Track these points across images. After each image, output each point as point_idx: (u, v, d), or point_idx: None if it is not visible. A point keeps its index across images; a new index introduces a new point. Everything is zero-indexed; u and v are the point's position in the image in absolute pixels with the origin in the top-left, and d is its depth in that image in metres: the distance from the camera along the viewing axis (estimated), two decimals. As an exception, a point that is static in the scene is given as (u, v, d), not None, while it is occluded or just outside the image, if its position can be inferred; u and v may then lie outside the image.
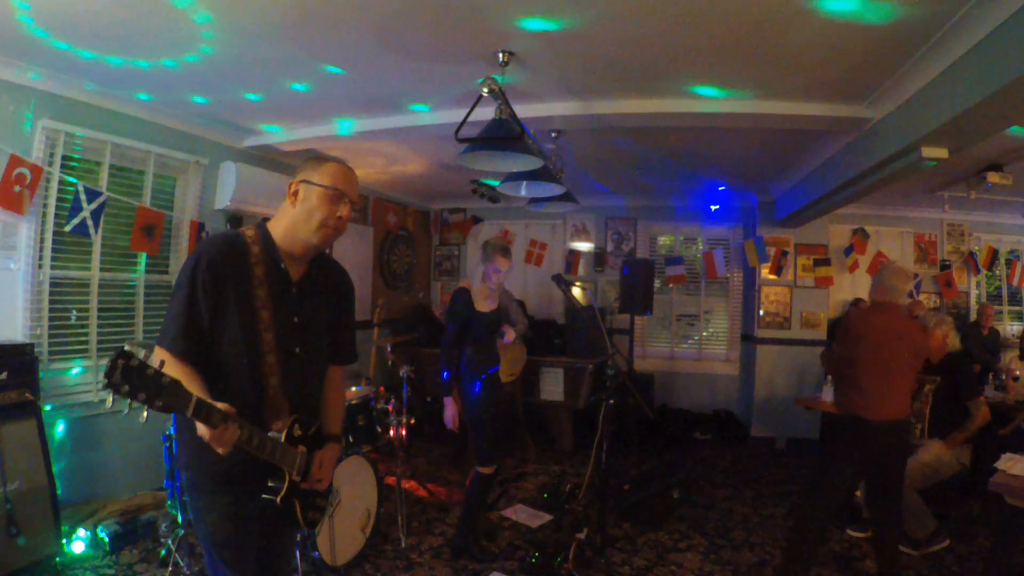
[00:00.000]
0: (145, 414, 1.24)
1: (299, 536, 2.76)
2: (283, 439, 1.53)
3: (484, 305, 3.21)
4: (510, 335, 3.40)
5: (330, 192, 1.58)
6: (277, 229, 1.62)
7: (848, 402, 2.86)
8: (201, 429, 1.36)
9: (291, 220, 1.60)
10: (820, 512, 2.90)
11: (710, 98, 3.24)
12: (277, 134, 4.30)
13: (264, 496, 1.55)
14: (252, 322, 1.53)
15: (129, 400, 1.20)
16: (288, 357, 1.60)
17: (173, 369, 1.44)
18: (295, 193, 1.60)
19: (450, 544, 3.33)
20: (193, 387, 1.39)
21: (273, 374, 1.56)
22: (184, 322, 1.48)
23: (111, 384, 1.16)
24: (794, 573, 2.91)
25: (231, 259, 1.53)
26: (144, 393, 1.21)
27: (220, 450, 1.38)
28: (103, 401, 3.42)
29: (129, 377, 1.18)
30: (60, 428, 3.25)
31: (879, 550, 2.93)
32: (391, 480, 3.62)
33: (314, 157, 1.67)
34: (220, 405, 1.36)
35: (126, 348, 1.21)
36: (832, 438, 2.98)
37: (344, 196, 1.60)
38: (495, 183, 4.37)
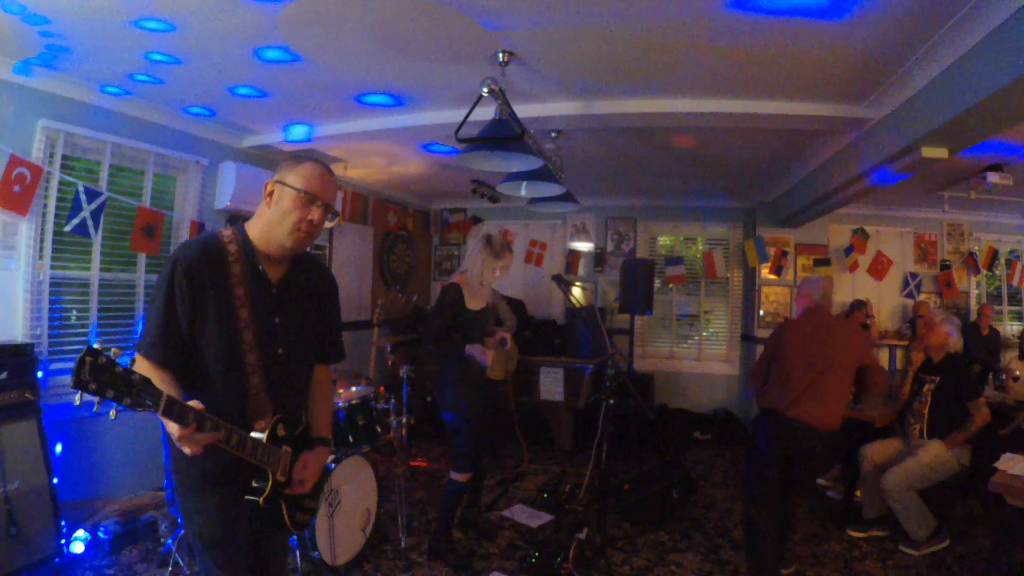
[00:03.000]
0: (114, 413, 1.23)
1: (299, 536, 2.76)
2: (266, 439, 1.52)
3: (475, 303, 3.16)
4: (510, 341, 3.35)
5: (302, 196, 1.54)
6: (254, 230, 1.60)
7: (769, 397, 2.98)
8: (172, 428, 1.34)
9: (266, 221, 1.58)
10: (765, 509, 2.95)
11: (710, 99, 3.23)
12: (277, 134, 4.30)
13: (247, 497, 1.54)
14: (231, 321, 1.51)
15: (97, 398, 1.19)
16: (271, 357, 1.58)
17: (151, 376, 1.42)
18: (271, 194, 1.57)
19: (429, 547, 3.29)
20: (168, 391, 1.38)
21: (255, 373, 1.54)
22: (162, 329, 1.47)
23: (79, 382, 1.15)
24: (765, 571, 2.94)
25: (208, 261, 1.51)
26: (112, 390, 1.19)
27: (187, 450, 1.35)
28: (103, 401, 3.43)
29: (97, 375, 1.17)
30: (60, 428, 3.25)
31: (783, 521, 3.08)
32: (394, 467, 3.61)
33: (292, 156, 1.64)
34: (191, 403, 1.34)
35: (95, 346, 1.20)
36: (755, 433, 3.11)
37: (316, 200, 1.56)
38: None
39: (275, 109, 3.80)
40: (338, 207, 3.92)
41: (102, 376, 1.18)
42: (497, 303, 3.49)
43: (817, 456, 2.95)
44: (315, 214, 1.56)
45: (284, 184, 1.55)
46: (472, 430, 3.11)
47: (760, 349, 5.92)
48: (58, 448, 3.17)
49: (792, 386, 2.87)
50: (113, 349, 1.25)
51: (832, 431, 2.91)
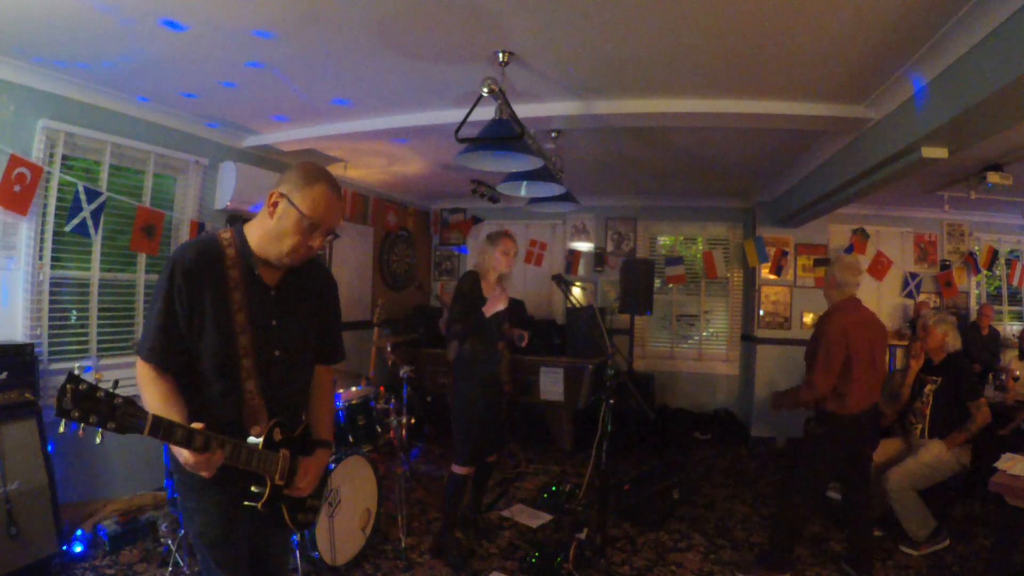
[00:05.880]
0: (99, 438, 1.23)
1: (299, 536, 2.76)
2: (261, 445, 1.51)
3: (491, 294, 3.21)
4: (527, 338, 3.44)
5: (305, 222, 1.51)
6: (253, 235, 1.58)
7: (832, 400, 2.96)
8: (184, 456, 1.36)
9: (265, 232, 1.55)
10: (801, 506, 3.02)
11: (710, 99, 3.23)
12: (277, 134, 4.30)
13: (246, 503, 1.54)
14: (227, 325, 1.50)
15: (82, 424, 1.20)
16: (267, 360, 1.57)
17: (152, 380, 1.45)
18: (274, 204, 1.53)
19: (432, 544, 3.30)
20: (168, 403, 1.40)
21: (250, 378, 1.53)
22: (161, 333, 1.47)
23: (61, 411, 1.16)
24: (776, 562, 3.01)
25: (206, 264, 1.51)
26: (96, 416, 1.20)
27: (203, 474, 1.38)
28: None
29: (79, 402, 1.18)
30: (60, 428, 3.25)
31: (853, 533, 3.13)
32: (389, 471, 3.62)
33: (304, 170, 1.55)
34: (196, 425, 1.35)
35: (74, 372, 1.20)
36: (813, 434, 3.11)
37: (319, 227, 1.54)
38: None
39: (275, 110, 3.80)
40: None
41: (85, 403, 1.19)
42: None
43: (877, 428, 3.10)
44: (316, 241, 1.55)
45: (290, 202, 1.51)
46: (472, 423, 3.12)
47: (760, 349, 6.00)
48: (59, 448, 3.18)
49: (856, 385, 2.91)
50: (96, 375, 1.26)
51: (876, 403, 3.05)
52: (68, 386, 1.17)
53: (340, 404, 3.34)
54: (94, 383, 1.22)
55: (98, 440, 1.24)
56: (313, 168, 1.57)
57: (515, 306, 5.88)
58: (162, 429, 1.29)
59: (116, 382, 1.26)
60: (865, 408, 2.95)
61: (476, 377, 3.15)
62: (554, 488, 4.23)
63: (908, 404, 3.72)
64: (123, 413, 1.24)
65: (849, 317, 2.97)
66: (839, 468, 3.10)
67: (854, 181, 3.85)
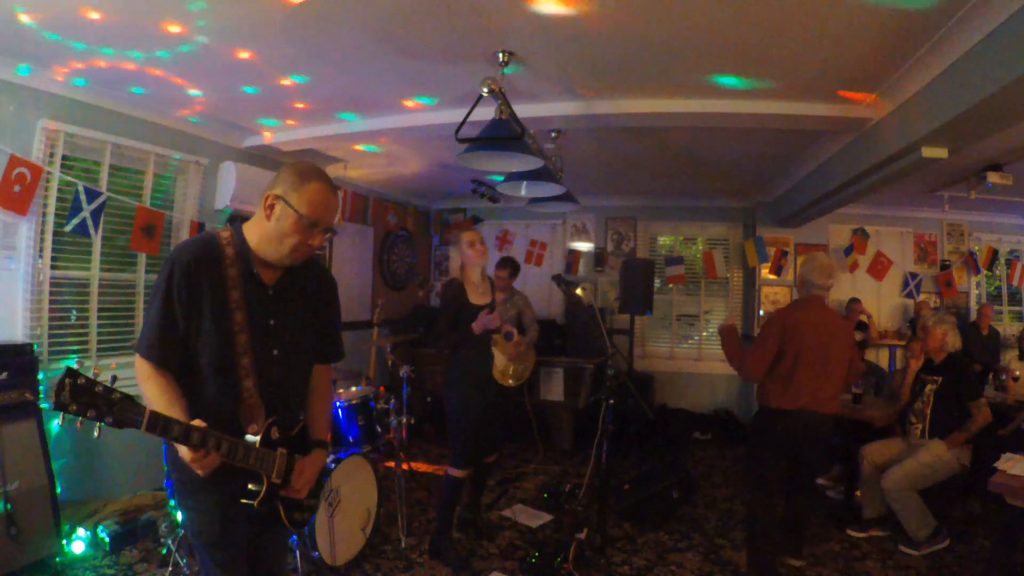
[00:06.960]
0: (97, 432, 1.24)
1: (299, 536, 2.76)
2: (259, 443, 1.51)
3: (477, 298, 3.18)
4: (516, 336, 3.40)
5: (305, 222, 1.51)
6: (252, 236, 1.57)
7: (772, 395, 2.94)
8: (182, 451, 1.36)
9: (264, 234, 1.55)
10: (765, 505, 2.99)
11: (710, 99, 3.24)
12: (277, 134, 4.30)
13: (243, 501, 1.54)
14: (225, 324, 1.50)
15: (79, 418, 1.20)
16: (265, 359, 1.57)
17: (151, 376, 1.46)
18: (271, 207, 1.52)
19: (429, 546, 3.29)
20: (168, 399, 1.41)
21: (248, 376, 1.53)
22: (160, 330, 1.47)
23: (59, 404, 1.17)
24: (761, 567, 2.98)
25: (205, 263, 1.51)
26: (93, 410, 1.21)
27: (200, 472, 1.39)
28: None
29: (77, 396, 1.18)
30: (60, 428, 3.25)
31: (792, 526, 3.13)
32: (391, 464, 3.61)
33: (297, 169, 1.56)
34: (195, 422, 1.35)
35: (73, 366, 1.21)
36: (759, 432, 3.09)
37: (319, 225, 1.54)
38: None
39: (275, 111, 3.80)
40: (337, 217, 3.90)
41: (82, 397, 1.19)
42: (524, 310, 3.60)
43: (825, 442, 3.01)
44: (316, 239, 1.56)
45: (287, 203, 1.51)
46: (467, 427, 3.11)
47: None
48: (59, 448, 3.18)
49: (798, 384, 2.87)
50: (95, 368, 1.27)
51: (835, 414, 2.97)
52: (66, 380, 1.17)
53: (340, 404, 3.34)
54: (92, 377, 1.22)
55: (96, 435, 1.25)
56: (305, 167, 1.57)
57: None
58: (159, 424, 1.29)
59: (114, 377, 1.26)
60: (802, 407, 2.85)
61: (469, 380, 3.13)
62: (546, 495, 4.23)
63: (908, 404, 3.72)
64: (121, 407, 1.24)
65: (799, 314, 2.95)
66: (778, 466, 3.00)
67: (854, 181, 3.85)
